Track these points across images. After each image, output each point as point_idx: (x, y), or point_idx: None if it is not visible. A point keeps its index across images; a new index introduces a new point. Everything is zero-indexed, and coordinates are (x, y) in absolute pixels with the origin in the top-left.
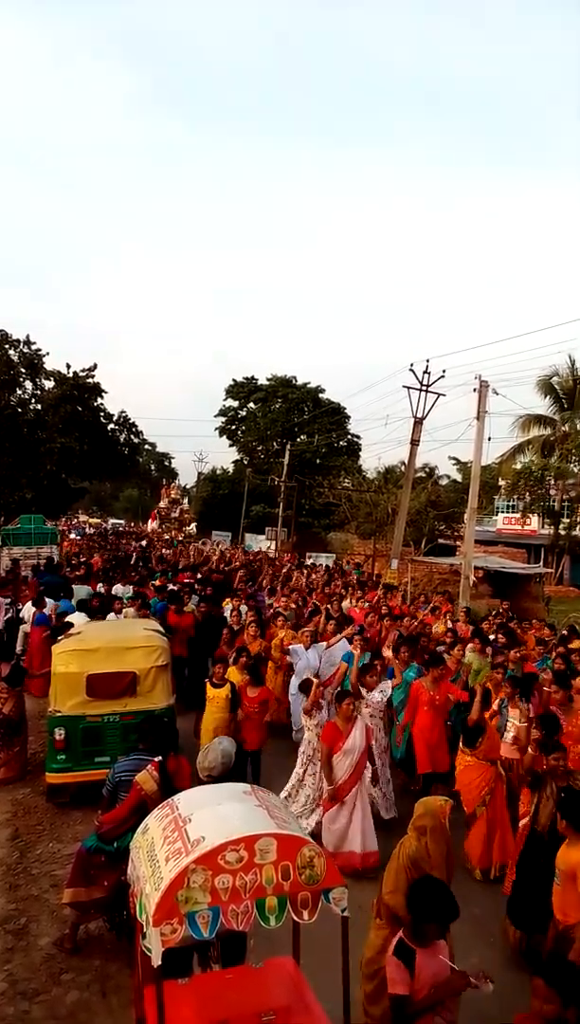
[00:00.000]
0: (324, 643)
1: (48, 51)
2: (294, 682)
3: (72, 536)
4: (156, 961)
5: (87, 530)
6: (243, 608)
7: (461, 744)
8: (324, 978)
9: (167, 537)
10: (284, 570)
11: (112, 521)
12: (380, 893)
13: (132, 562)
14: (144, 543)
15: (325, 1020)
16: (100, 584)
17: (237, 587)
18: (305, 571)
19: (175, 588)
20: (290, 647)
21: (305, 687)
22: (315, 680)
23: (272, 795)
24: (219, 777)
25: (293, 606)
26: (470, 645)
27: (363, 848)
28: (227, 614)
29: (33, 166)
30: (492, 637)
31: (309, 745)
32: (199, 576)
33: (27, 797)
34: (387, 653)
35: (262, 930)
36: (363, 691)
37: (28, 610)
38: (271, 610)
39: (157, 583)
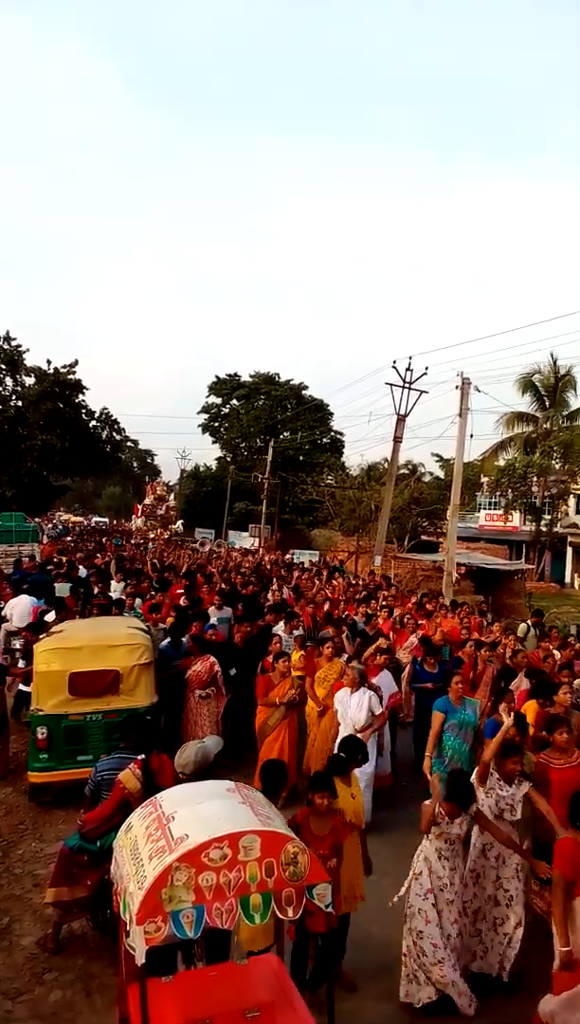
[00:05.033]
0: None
1: (23, 39)
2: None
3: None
4: (140, 959)
5: (68, 527)
6: (283, 632)
7: None
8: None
9: (152, 535)
10: (316, 582)
11: (95, 519)
12: None
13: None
14: (134, 542)
15: (309, 1017)
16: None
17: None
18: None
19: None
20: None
21: None
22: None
23: (256, 792)
24: (193, 776)
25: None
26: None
27: None
28: None
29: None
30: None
31: (434, 861)
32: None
33: (9, 796)
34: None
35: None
36: (496, 784)
37: (10, 607)
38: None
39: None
